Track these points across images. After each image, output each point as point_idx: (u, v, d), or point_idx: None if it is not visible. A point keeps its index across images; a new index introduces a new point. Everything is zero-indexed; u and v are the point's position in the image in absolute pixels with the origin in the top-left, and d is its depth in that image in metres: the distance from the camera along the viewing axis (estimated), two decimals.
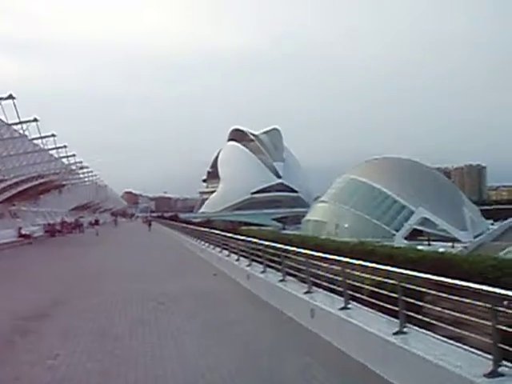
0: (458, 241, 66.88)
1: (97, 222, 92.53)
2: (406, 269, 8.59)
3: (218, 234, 29.72)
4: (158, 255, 35.41)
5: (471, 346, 7.11)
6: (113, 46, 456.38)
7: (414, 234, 71.96)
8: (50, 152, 56.31)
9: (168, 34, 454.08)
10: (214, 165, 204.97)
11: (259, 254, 18.03)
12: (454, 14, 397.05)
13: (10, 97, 39.46)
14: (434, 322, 8.00)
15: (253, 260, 19.13)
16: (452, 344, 7.45)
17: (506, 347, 6.24)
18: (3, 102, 39.84)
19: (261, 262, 17.70)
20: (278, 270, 15.73)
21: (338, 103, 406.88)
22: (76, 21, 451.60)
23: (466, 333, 7.24)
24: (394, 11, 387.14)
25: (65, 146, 56.24)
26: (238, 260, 21.50)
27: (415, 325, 8.38)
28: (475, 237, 71.76)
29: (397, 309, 8.48)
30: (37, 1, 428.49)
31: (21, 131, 46.00)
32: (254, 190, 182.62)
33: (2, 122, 42.66)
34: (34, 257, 37.34)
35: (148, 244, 48.71)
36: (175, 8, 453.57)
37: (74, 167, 67.82)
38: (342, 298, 10.74)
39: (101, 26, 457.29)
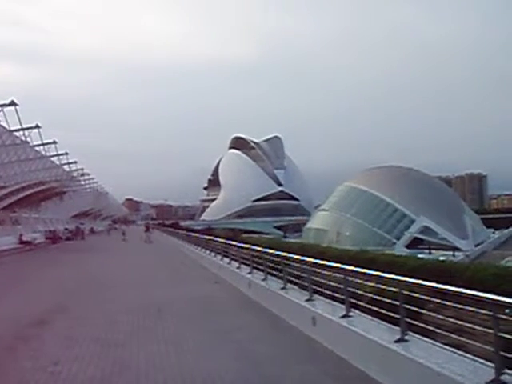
0: (459, 249, 66.67)
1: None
2: (407, 277, 8.60)
3: (218, 241, 29.74)
4: (158, 262, 35.39)
5: (473, 354, 7.10)
6: (114, 55, 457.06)
7: (415, 243, 71.67)
8: (52, 159, 56.43)
9: (168, 45, 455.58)
10: (215, 172, 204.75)
11: (260, 261, 18.03)
12: (455, 24, 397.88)
13: (13, 103, 39.54)
14: (435, 329, 7.99)
15: (254, 268, 19.12)
16: (454, 352, 7.45)
17: (508, 355, 6.24)
18: (5, 109, 39.90)
19: (262, 270, 17.69)
20: (280, 277, 15.70)
21: (338, 112, 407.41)
22: (79, 30, 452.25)
23: (468, 341, 7.24)
24: (397, 21, 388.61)
25: (66, 153, 56.57)
26: (239, 268, 21.47)
27: (416, 332, 8.38)
28: (476, 245, 71.50)
29: (398, 316, 8.48)
30: (41, 10, 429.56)
31: (22, 138, 46.10)
32: (255, 198, 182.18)
33: (4, 128, 42.71)
34: (35, 264, 37.28)
35: (149, 251, 48.70)
36: (176, 19, 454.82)
37: (75, 174, 68.01)
38: (343, 306, 10.73)
39: (104, 35, 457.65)
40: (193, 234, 47.80)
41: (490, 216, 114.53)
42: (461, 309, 7.33)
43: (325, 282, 12.42)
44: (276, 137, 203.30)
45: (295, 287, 14.50)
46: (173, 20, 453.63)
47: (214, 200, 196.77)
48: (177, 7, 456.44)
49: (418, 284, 8.19)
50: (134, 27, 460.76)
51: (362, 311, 10.41)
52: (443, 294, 7.67)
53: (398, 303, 8.44)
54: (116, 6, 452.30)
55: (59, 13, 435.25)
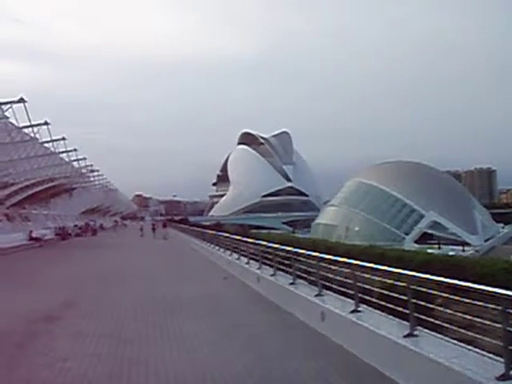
0: (469, 244, 66.62)
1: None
2: (417, 272, 8.56)
3: (227, 237, 29.74)
4: (167, 258, 35.49)
5: (482, 349, 7.07)
6: (123, 53, 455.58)
7: (424, 238, 71.63)
8: (61, 155, 56.43)
9: (175, 41, 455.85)
10: (224, 168, 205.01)
11: (269, 256, 18.01)
12: (462, 18, 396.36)
13: (21, 100, 39.46)
14: (444, 324, 7.97)
15: (263, 263, 19.10)
16: (463, 347, 7.42)
17: None
18: (14, 106, 39.87)
19: (271, 265, 17.66)
20: (289, 272, 15.70)
21: (347, 107, 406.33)
22: (79, 27, 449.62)
23: (478, 335, 7.21)
24: (397, 15, 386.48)
25: (75, 150, 56.41)
26: (247, 263, 21.46)
27: (426, 327, 8.35)
28: (486, 240, 71.43)
29: (407, 311, 8.46)
30: (47, 10, 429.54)
31: (32, 134, 46.10)
32: (264, 194, 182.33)
33: (13, 125, 42.70)
34: (44, 260, 37.37)
35: (157, 247, 48.77)
36: (176, 16, 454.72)
37: (84, 171, 68.03)
38: (352, 301, 10.72)
39: (110, 33, 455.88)
40: (201, 230, 47.77)
41: (500, 211, 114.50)
42: (470, 303, 7.30)
43: (334, 277, 12.41)
44: (284, 132, 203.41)
45: (304, 282, 14.49)
46: (173, 17, 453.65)
47: (222, 196, 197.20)
48: (177, 5, 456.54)
49: (427, 279, 8.16)
50: (133, 25, 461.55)
51: (371, 306, 10.38)
52: (452, 288, 7.64)
53: (407, 298, 8.42)
54: (115, 3, 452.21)
55: (58, 11, 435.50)
